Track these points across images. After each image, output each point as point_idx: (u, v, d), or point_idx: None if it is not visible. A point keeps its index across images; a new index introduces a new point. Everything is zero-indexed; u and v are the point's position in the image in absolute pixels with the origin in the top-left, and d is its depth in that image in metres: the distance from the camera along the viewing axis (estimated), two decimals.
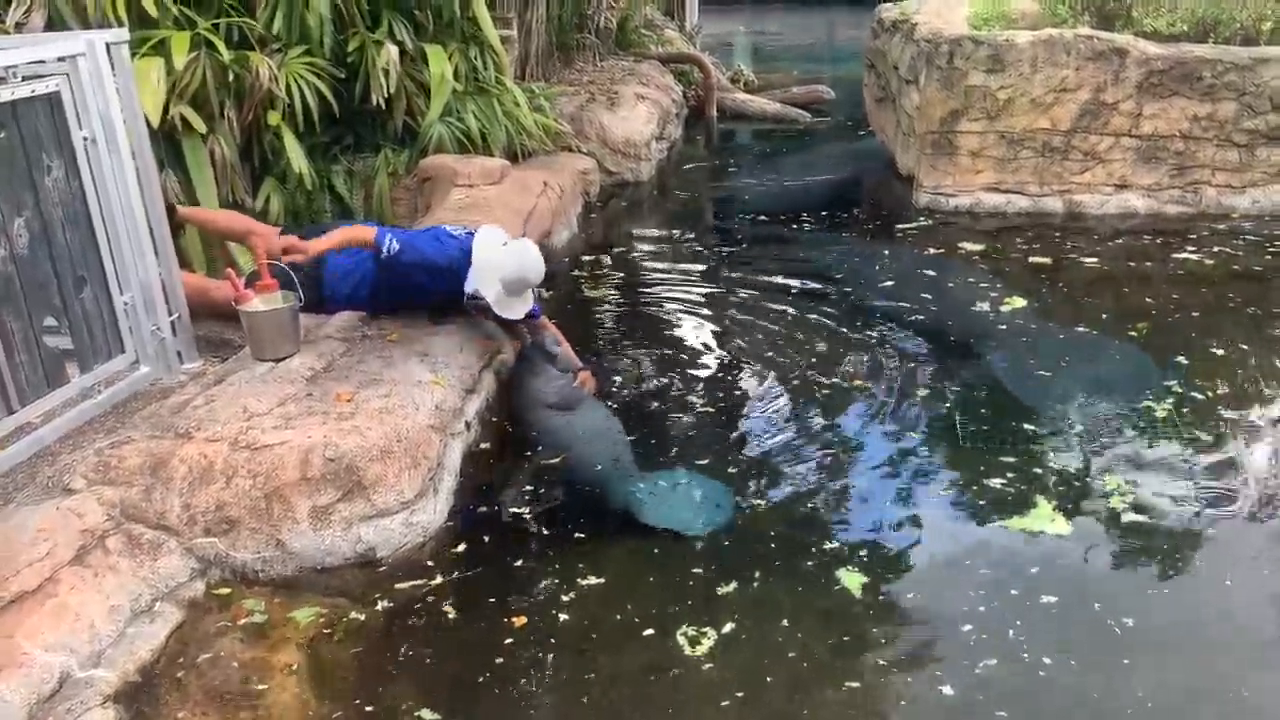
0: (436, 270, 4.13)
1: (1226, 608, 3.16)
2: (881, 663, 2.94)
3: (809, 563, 3.39)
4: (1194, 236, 6.52)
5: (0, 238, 3.26)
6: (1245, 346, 4.90)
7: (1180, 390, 4.45)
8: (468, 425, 3.96)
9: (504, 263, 4.11)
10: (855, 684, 2.85)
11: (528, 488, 3.88)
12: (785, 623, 3.09)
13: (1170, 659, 2.96)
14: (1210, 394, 4.42)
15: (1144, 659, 2.92)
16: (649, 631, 3.06)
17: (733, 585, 3.26)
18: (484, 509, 3.72)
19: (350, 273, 4.27)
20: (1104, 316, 5.35)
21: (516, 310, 4.20)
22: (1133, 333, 5.11)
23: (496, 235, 4.26)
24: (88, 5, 5.19)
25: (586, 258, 6.50)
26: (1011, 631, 3.02)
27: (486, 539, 3.54)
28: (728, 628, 3.06)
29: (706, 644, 2.99)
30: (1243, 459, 3.94)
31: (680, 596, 3.22)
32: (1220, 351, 4.85)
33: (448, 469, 3.68)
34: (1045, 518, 3.56)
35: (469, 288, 4.14)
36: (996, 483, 3.80)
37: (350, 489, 3.29)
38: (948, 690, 2.81)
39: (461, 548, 3.47)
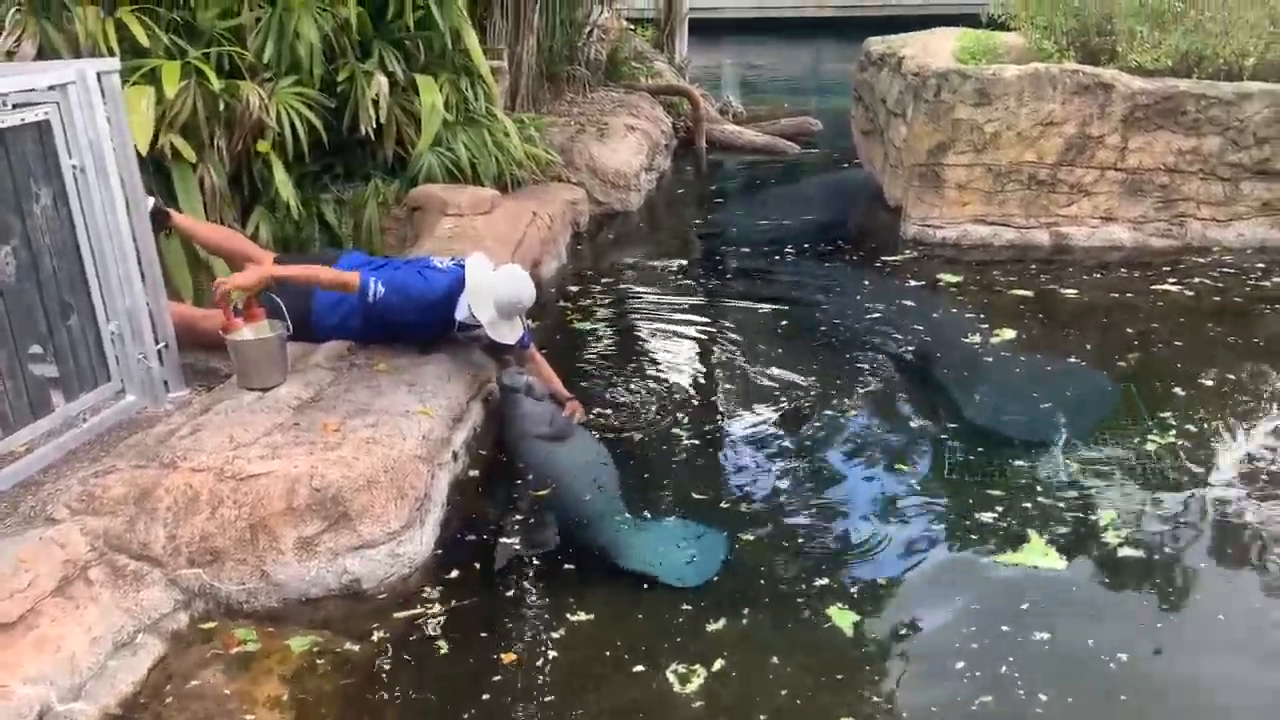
0: (427, 304, 4.14)
1: (1221, 642, 3.14)
2: (875, 699, 2.91)
3: (799, 599, 3.36)
4: (1180, 269, 6.56)
5: None
6: (1232, 377, 4.92)
7: (1173, 423, 4.45)
8: (455, 455, 3.94)
9: (497, 285, 4.13)
10: None
11: (516, 519, 3.85)
12: (776, 660, 3.05)
13: (1166, 695, 2.94)
14: (1202, 426, 4.43)
15: (1139, 695, 2.90)
16: (639, 668, 3.03)
17: (722, 622, 3.23)
18: (471, 540, 3.69)
19: (338, 305, 4.27)
20: (1093, 349, 5.36)
21: (508, 335, 4.20)
22: (1122, 364, 5.13)
23: (486, 261, 4.28)
24: (79, 34, 5.19)
25: (575, 288, 6.50)
26: (1005, 668, 2.99)
27: (474, 571, 3.51)
28: (718, 665, 3.02)
29: (697, 682, 2.96)
30: (1237, 491, 3.94)
31: (670, 633, 3.19)
32: (1209, 383, 4.86)
33: (435, 500, 3.65)
34: (1039, 552, 3.54)
35: (460, 314, 4.15)
36: (988, 517, 3.79)
37: (336, 520, 3.26)
38: None
39: (448, 580, 3.44)
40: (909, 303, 6.08)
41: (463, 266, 4.23)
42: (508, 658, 3.07)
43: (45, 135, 3.44)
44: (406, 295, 4.11)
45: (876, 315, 5.86)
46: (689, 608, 3.30)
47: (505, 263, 4.78)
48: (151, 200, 4.35)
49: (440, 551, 3.55)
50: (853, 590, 3.38)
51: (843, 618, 3.23)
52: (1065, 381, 4.96)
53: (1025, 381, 4.98)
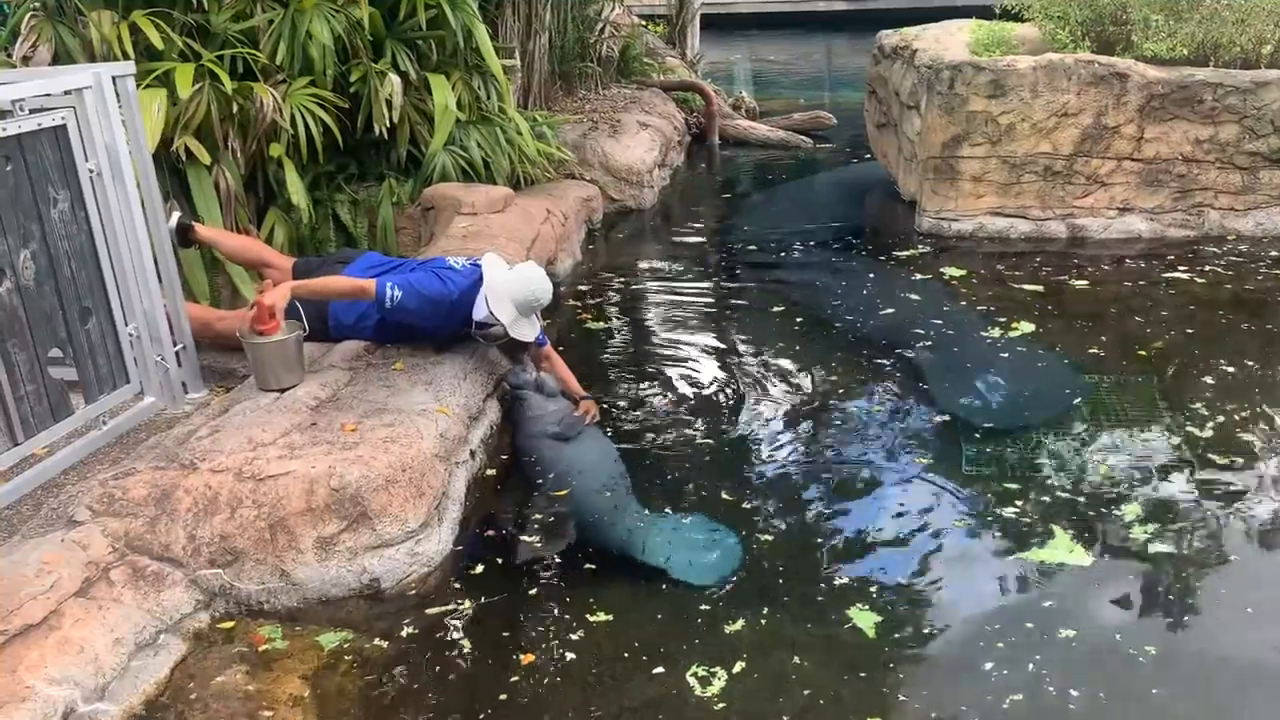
0: (445, 306, 4.14)
1: (1252, 636, 3.11)
2: (901, 699, 2.88)
3: (819, 598, 3.34)
4: (1199, 259, 6.51)
5: (7, 269, 3.26)
6: (1254, 365, 4.87)
7: (1203, 413, 4.41)
8: (472, 454, 3.94)
9: (515, 284, 4.13)
10: None
11: (535, 518, 3.85)
12: (797, 660, 3.04)
13: (1196, 690, 2.91)
14: (1229, 416, 4.38)
15: (1170, 690, 2.87)
16: (659, 669, 3.02)
17: (742, 622, 3.21)
18: (490, 538, 3.70)
19: (353, 305, 4.27)
20: (1114, 341, 5.32)
21: (527, 332, 4.21)
22: (1144, 354, 5.09)
23: (500, 261, 4.29)
24: (93, 38, 5.21)
25: (588, 286, 6.49)
26: (1033, 665, 2.97)
27: (492, 570, 3.51)
28: (738, 666, 3.00)
29: (718, 684, 2.94)
30: (1264, 483, 3.90)
31: (689, 633, 3.17)
32: (1232, 370, 4.82)
33: (453, 498, 3.65)
34: (1064, 548, 3.51)
35: (478, 314, 4.14)
36: (1011, 513, 3.76)
37: (355, 519, 3.27)
38: None
39: (467, 578, 3.44)
40: (925, 297, 6.04)
41: (479, 267, 4.23)
42: (527, 657, 3.07)
43: (62, 140, 3.46)
44: (423, 298, 4.10)
45: (891, 310, 5.83)
46: (708, 607, 3.29)
47: (520, 260, 4.79)
48: (176, 214, 4.39)
49: (459, 550, 3.55)
50: (873, 590, 3.36)
51: (864, 617, 3.21)
52: (1086, 374, 4.93)
53: (1045, 375, 4.94)
